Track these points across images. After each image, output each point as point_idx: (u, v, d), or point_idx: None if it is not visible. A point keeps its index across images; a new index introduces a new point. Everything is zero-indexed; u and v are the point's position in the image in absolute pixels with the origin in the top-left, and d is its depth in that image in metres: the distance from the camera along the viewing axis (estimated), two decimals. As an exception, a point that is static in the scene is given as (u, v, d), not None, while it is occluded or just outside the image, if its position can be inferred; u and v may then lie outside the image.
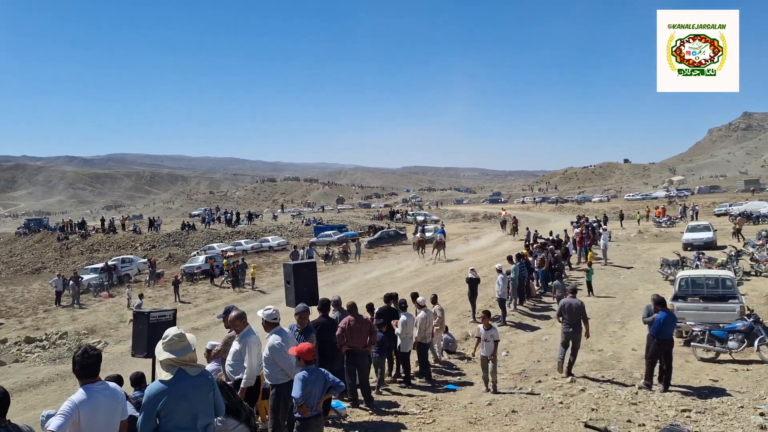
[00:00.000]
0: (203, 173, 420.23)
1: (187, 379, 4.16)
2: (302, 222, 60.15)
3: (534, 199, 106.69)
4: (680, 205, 52.58)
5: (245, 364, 6.01)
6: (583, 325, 10.47)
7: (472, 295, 16.15)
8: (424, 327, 10.76)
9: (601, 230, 27.84)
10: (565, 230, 28.99)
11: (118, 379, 5.43)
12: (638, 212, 47.52)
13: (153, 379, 6.35)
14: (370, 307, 10.61)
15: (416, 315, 10.83)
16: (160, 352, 4.19)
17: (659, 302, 9.68)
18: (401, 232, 46.48)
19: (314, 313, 8.51)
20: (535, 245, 22.72)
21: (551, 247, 21.28)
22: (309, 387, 5.33)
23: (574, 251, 25.24)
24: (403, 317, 10.41)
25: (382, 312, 10.47)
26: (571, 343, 10.47)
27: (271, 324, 6.45)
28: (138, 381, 7.24)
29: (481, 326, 9.88)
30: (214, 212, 67.79)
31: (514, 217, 44.93)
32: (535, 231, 31.38)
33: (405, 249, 39.37)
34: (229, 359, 6.33)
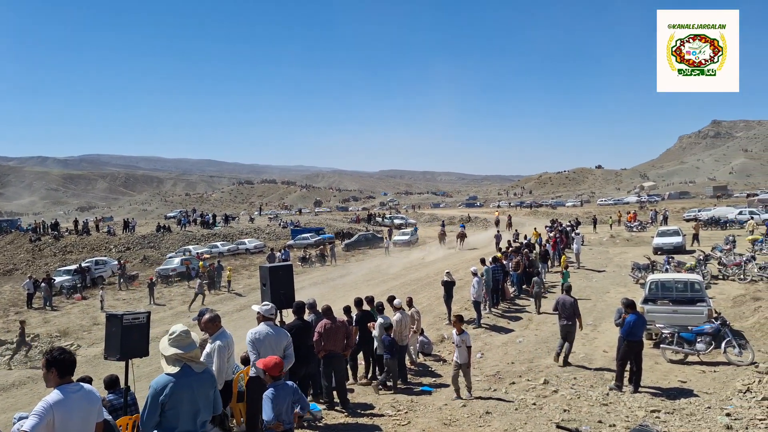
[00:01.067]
0: (179, 175, 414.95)
1: (192, 374, 4.28)
2: (279, 224, 59.78)
3: (509, 203, 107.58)
4: (651, 210, 53.54)
5: (213, 368, 5.94)
6: (576, 320, 11.44)
7: (448, 298, 16.23)
8: (400, 329, 10.78)
9: (573, 234, 28.23)
10: (539, 235, 29.31)
11: (89, 382, 5.35)
12: (610, 217, 48.29)
13: (127, 382, 6.27)
14: (347, 310, 10.61)
15: (393, 317, 10.85)
16: (167, 348, 4.29)
17: (629, 305, 9.85)
18: (378, 235, 46.56)
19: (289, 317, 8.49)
20: (510, 249, 22.94)
21: (526, 250, 21.51)
22: (279, 406, 5.01)
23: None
24: (379, 320, 10.42)
25: (360, 318, 10.50)
26: (567, 335, 11.43)
27: (266, 318, 6.67)
28: (112, 384, 7.13)
29: (454, 331, 9.93)
30: (190, 214, 67.01)
31: (509, 215, 51.09)
32: (515, 231, 32.92)
33: (381, 252, 39.46)
34: (200, 362, 6.28)
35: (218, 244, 44.26)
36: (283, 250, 35.66)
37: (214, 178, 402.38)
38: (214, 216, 60.28)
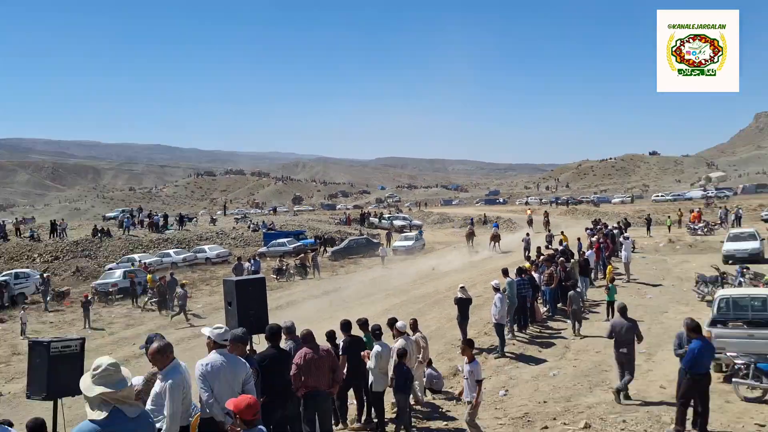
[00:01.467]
0: (121, 164, 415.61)
1: (124, 421, 4.12)
2: (248, 227, 59.76)
3: (540, 199, 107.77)
4: (720, 207, 53.60)
5: (165, 411, 5.88)
6: (636, 343, 11.75)
7: (463, 320, 16.22)
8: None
9: (622, 239, 28.25)
10: (578, 239, 29.35)
11: (9, 426, 5.33)
12: (668, 216, 48.39)
13: (55, 427, 6.24)
14: (330, 336, 10.58)
15: (394, 345, 10.83)
16: (90, 387, 4.13)
17: (694, 328, 9.83)
18: (374, 240, 46.59)
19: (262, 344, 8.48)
20: (540, 257, 22.95)
21: (561, 259, 21.48)
22: None
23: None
24: (376, 348, 10.37)
25: (348, 345, 10.46)
26: (625, 363, 11.68)
27: (218, 345, 6.64)
28: (36, 430, 7.12)
29: (465, 361, 9.94)
30: (135, 214, 66.91)
31: (546, 213, 54.11)
32: (549, 234, 33.32)
33: (378, 262, 39.51)
34: (149, 403, 6.19)
35: (171, 252, 44.26)
36: (253, 260, 35.62)
37: (165, 169, 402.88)
38: (166, 216, 60.22)
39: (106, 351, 22.44)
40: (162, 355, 6.13)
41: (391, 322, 11.59)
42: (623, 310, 12.07)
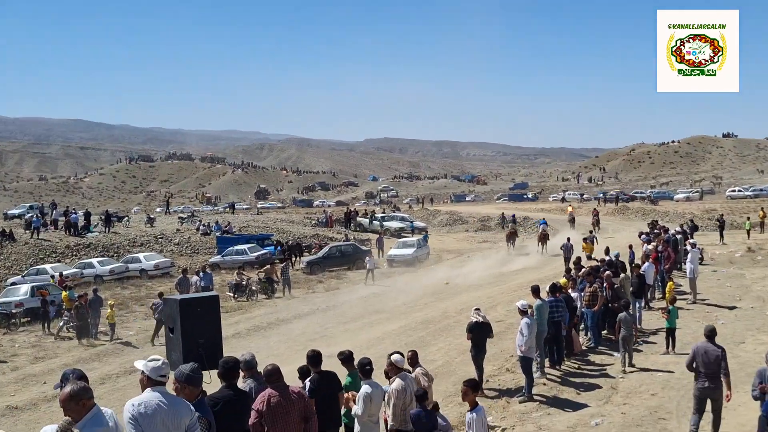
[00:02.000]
0: (28, 145, 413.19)
1: None
2: (197, 229, 59.67)
3: (582, 194, 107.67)
4: (817, 206, 53.78)
5: None
6: (723, 380, 11.84)
7: (478, 352, 16.22)
8: (402, 404, 10.75)
9: (687, 246, 28.32)
10: (631, 247, 29.39)
11: None
12: (748, 218, 48.54)
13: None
14: (304, 373, 10.55)
15: (389, 385, 10.83)
16: None
17: (778, 365, 9.92)
18: (363, 248, 46.56)
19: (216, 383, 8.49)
20: (581, 271, 22.86)
21: (608, 273, 21.45)
22: None
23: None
24: (365, 388, 10.34)
25: (316, 384, 10.29)
26: (710, 403, 12.01)
27: (154, 382, 6.63)
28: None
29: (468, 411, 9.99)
30: (47, 212, 66.80)
31: (596, 210, 58.80)
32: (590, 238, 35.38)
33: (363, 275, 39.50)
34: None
35: (94, 261, 44.16)
36: (203, 273, 35.49)
37: (87, 152, 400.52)
38: (88, 215, 60.09)
39: (8, 392, 22.42)
40: (76, 403, 5.88)
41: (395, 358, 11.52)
42: (712, 333, 12.32)
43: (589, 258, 29.77)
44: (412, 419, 10.12)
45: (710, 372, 11.84)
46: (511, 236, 48.05)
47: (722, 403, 11.99)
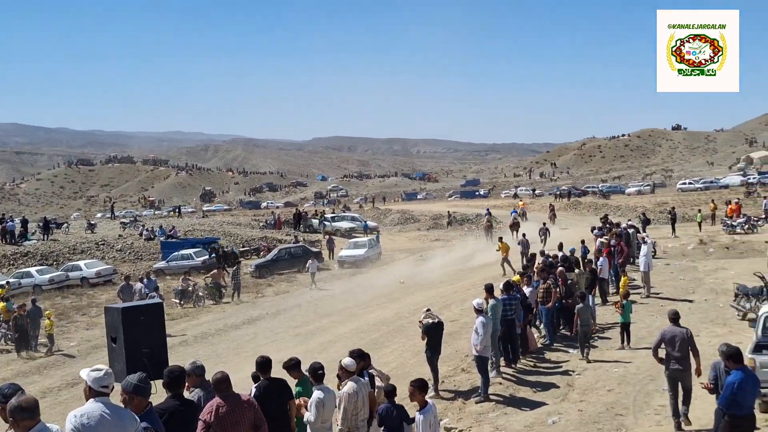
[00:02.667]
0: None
1: None
2: (141, 234, 59.14)
3: (533, 190, 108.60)
4: (765, 197, 54.62)
5: None
6: (692, 360, 12.40)
7: (433, 354, 16.19)
8: (354, 409, 10.64)
9: (640, 240, 28.55)
10: (583, 241, 29.60)
11: None
12: (699, 210, 48.94)
13: None
14: (256, 379, 10.42)
15: (340, 389, 10.72)
16: None
17: (732, 356, 9.95)
18: (314, 249, 46.47)
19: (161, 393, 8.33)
20: (535, 267, 22.90)
21: (561, 269, 21.53)
22: None
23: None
24: (317, 394, 10.25)
25: (263, 392, 10.08)
26: (679, 385, 12.45)
27: (97, 393, 6.50)
28: None
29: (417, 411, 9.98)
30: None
31: (552, 205, 61.82)
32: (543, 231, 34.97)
33: (318, 277, 39.32)
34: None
35: (32, 270, 43.67)
36: (147, 279, 35.12)
37: (23, 156, 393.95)
38: (25, 222, 59.11)
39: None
40: (19, 418, 5.84)
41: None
42: (676, 316, 12.77)
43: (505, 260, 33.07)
44: (380, 414, 10.10)
45: (679, 355, 12.22)
46: (488, 228, 50.24)
47: (691, 385, 12.36)
